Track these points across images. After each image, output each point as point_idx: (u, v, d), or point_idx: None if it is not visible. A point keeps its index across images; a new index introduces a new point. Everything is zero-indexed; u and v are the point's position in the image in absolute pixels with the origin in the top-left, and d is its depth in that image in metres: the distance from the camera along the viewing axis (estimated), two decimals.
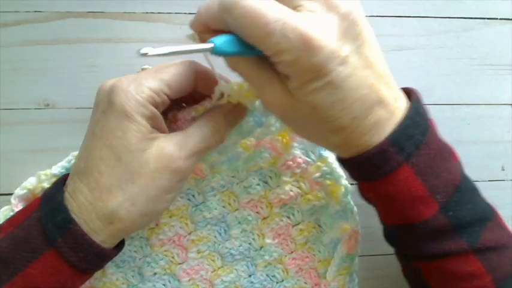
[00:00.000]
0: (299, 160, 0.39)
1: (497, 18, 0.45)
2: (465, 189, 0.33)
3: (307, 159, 0.39)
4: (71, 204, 0.31)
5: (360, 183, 0.34)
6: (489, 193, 0.45)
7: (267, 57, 0.29)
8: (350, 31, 0.28)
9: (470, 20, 0.44)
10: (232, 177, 0.39)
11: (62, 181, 0.33)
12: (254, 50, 0.28)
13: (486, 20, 0.45)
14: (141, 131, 0.31)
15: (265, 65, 0.29)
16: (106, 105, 0.31)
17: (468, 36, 0.44)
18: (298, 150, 0.39)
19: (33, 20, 0.39)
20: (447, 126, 0.45)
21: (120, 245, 0.34)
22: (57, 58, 0.39)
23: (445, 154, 0.33)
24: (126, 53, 0.39)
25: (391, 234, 0.36)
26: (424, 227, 0.32)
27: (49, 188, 0.34)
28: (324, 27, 0.27)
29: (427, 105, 0.44)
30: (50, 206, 0.31)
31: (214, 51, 0.28)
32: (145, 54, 0.27)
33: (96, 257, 0.32)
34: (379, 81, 0.30)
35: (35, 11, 0.38)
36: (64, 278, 0.31)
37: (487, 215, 0.34)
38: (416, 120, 0.31)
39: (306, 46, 0.27)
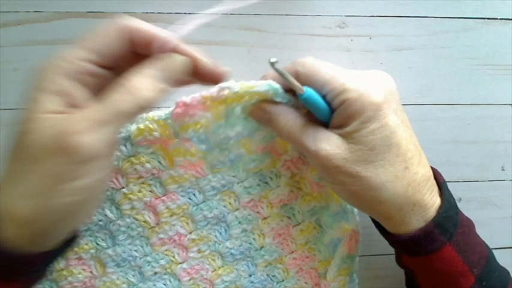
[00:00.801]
0: (298, 161, 0.39)
1: (497, 18, 0.45)
2: (492, 259, 0.37)
3: (307, 161, 0.39)
4: None
5: (401, 254, 0.37)
6: (489, 193, 0.45)
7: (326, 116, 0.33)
8: (393, 95, 0.34)
9: (470, 20, 0.44)
10: (233, 176, 0.39)
11: None
12: (322, 108, 0.33)
13: (486, 20, 0.45)
14: (37, 111, 0.26)
15: (319, 124, 0.34)
16: (53, 150, 0.25)
17: (468, 36, 0.45)
18: (297, 151, 0.39)
19: (33, 20, 0.39)
20: (447, 126, 0.45)
21: (56, 252, 0.29)
22: None
23: (472, 228, 0.36)
24: None
25: None
26: None
27: None
28: (377, 83, 0.33)
29: (427, 105, 0.45)
30: None
31: (304, 96, 0.32)
32: (274, 63, 0.31)
33: (20, 265, 0.27)
34: (419, 148, 0.35)
35: (35, 11, 0.38)
36: None
37: (506, 278, 0.37)
38: (451, 201, 0.35)
39: (369, 88, 0.32)
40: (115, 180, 0.36)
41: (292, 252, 0.42)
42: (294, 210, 0.41)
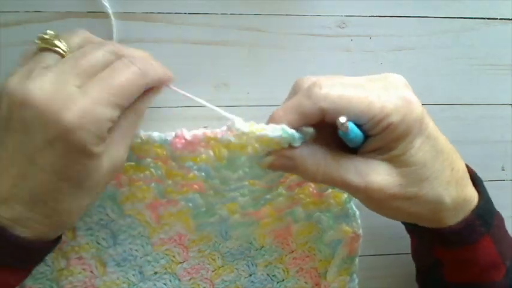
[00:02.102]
0: (302, 181, 0.39)
1: (497, 18, 0.45)
2: None
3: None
4: (19, 230, 0.28)
5: (431, 245, 0.36)
6: (489, 193, 0.45)
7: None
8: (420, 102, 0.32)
9: (470, 20, 0.44)
10: (236, 193, 0.38)
11: None
12: (361, 139, 0.31)
13: (486, 20, 0.45)
14: (99, 159, 0.29)
15: (348, 152, 0.32)
16: (54, 136, 0.27)
17: (468, 36, 0.44)
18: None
19: (33, 20, 0.38)
20: (447, 126, 0.45)
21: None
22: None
23: (503, 219, 0.37)
24: None
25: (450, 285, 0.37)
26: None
27: None
28: (407, 93, 0.32)
29: (427, 105, 0.45)
30: None
31: (350, 136, 0.30)
32: (344, 123, 0.28)
33: (33, 254, 0.30)
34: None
35: (35, 11, 0.38)
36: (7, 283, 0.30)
37: None
38: (487, 193, 0.36)
39: (408, 102, 0.31)
40: (117, 180, 0.36)
41: (292, 251, 0.42)
42: (294, 212, 0.41)
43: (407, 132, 0.30)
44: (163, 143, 0.34)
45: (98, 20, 0.39)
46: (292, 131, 0.31)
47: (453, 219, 0.34)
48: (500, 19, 0.45)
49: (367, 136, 0.31)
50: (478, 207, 0.34)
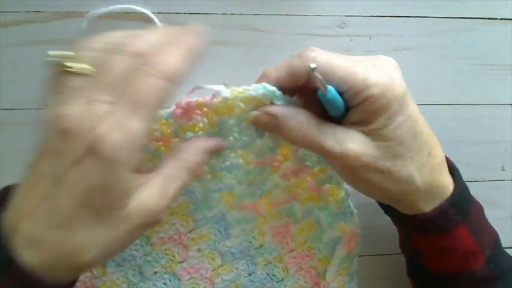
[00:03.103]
0: (298, 170, 0.39)
1: (497, 18, 0.45)
2: (499, 242, 0.37)
3: (307, 168, 0.39)
4: (29, 253, 0.26)
5: (410, 234, 0.37)
6: (489, 193, 0.45)
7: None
8: (404, 82, 0.33)
9: (470, 20, 0.44)
10: (233, 179, 0.39)
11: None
12: (340, 106, 0.32)
13: (486, 20, 0.45)
14: (127, 188, 0.27)
15: (332, 121, 0.33)
16: (81, 154, 0.25)
17: (468, 36, 0.45)
18: (298, 161, 0.39)
19: (33, 20, 0.39)
20: (447, 126, 0.45)
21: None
22: None
23: (483, 210, 0.37)
24: None
25: (432, 279, 0.38)
26: (470, 277, 0.35)
27: None
28: (393, 73, 0.33)
29: (427, 105, 0.45)
30: None
31: (328, 96, 0.31)
32: (314, 68, 0.29)
33: None
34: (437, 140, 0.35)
35: (35, 11, 0.38)
36: None
37: (511, 261, 0.37)
38: (463, 182, 0.36)
39: (391, 80, 0.31)
40: None
41: (292, 250, 0.42)
42: (293, 210, 0.41)
43: (387, 107, 0.31)
44: (168, 117, 0.34)
45: (98, 20, 0.39)
46: (274, 88, 0.32)
47: (426, 205, 0.34)
48: (500, 19, 0.45)
49: (348, 108, 0.32)
50: (452, 195, 0.34)
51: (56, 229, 0.27)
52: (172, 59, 0.28)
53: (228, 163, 0.37)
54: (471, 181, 0.46)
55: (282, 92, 0.33)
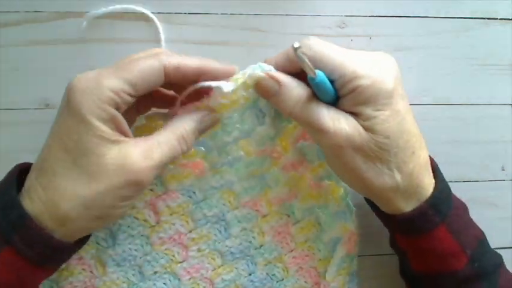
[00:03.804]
0: (297, 162, 0.39)
1: (497, 18, 0.45)
2: (484, 241, 0.37)
3: (306, 161, 0.39)
4: (25, 201, 0.30)
5: (394, 234, 0.38)
6: (489, 193, 0.45)
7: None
8: (399, 79, 0.34)
9: (470, 20, 0.44)
10: (233, 176, 0.39)
11: (16, 173, 0.32)
12: (330, 93, 0.33)
13: (486, 20, 0.45)
14: (98, 136, 0.29)
15: (338, 109, 0.33)
16: (64, 104, 0.30)
17: (468, 36, 0.45)
18: (297, 154, 0.39)
19: (33, 20, 0.39)
20: (447, 126, 0.45)
21: (83, 240, 0.33)
22: (57, 58, 0.39)
23: (466, 211, 0.37)
24: (126, 53, 0.39)
25: (416, 280, 0.38)
26: (452, 277, 0.36)
27: (3, 181, 0.32)
28: (387, 69, 0.33)
29: (427, 105, 0.45)
30: (4, 202, 0.30)
31: (316, 80, 0.31)
32: (297, 48, 0.30)
33: (55, 252, 0.31)
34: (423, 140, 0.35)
35: (35, 11, 0.38)
36: (23, 274, 0.30)
37: (498, 260, 0.37)
38: (444, 184, 0.36)
39: (382, 74, 0.32)
40: None
41: (292, 250, 0.42)
42: (293, 208, 0.41)
43: (374, 98, 0.32)
44: (165, 118, 0.35)
45: (98, 20, 0.39)
46: (270, 67, 0.33)
47: (405, 205, 0.34)
48: (500, 19, 0.45)
49: (338, 97, 0.33)
50: (431, 197, 0.34)
51: (43, 175, 0.30)
52: (177, 57, 0.32)
53: (229, 157, 0.37)
54: (471, 181, 0.46)
55: None
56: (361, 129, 0.32)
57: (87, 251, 0.38)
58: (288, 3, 0.42)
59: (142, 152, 0.31)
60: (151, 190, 0.38)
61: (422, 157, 0.34)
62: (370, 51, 0.39)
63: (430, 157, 0.37)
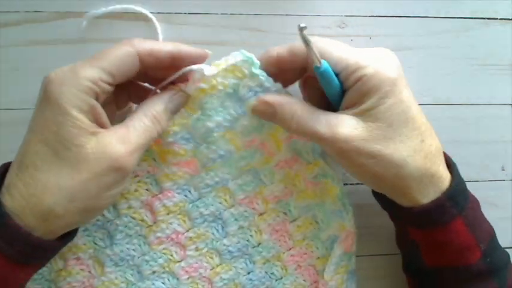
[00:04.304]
0: (292, 160, 0.39)
1: (497, 18, 0.45)
2: (495, 237, 0.38)
3: (301, 159, 0.39)
4: (5, 198, 0.30)
5: (406, 227, 0.37)
6: (489, 193, 0.45)
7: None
8: (401, 71, 0.34)
9: (470, 20, 0.44)
10: (227, 174, 0.39)
11: (0, 172, 0.32)
12: (335, 85, 0.33)
13: (486, 20, 0.45)
14: (77, 126, 0.30)
15: (334, 113, 0.34)
16: (42, 97, 0.31)
17: (468, 36, 0.45)
18: (291, 151, 0.39)
19: (33, 20, 0.39)
20: (447, 126, 0.45)
21: (67, 236, 0.33)
22: (57, 58, 0.39)
23: (479, 204, 0.37)
24: None
25: (427, 273, 0.38)
26: (466, 271, 0.35)
27: None
28: (388, 60, 0.34)
29: (427, 105, 0.45)
30: None
31: (321, 69, 0.32)
32: (303, 28, 0.30)
33: (36, 250, 0.30)
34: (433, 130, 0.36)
35: (35, 11, 0.39)
36: (4, 271, 0.30)
37: (507, 257, 0.37)
38: (460, 176, 0.36)
39: (383, 64, 0.33)
40: None
41: (290, 249, 0.42)
42: (289, 206, 0.41)
43: (378, 87, 0.32)
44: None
45: (98, 20, 0.39)
46: (251, 54, 0.34)
47: (421, 195, 0.34)
48: (500, 19, 0.45)
49: (344, 91, 0.34)
50: (449, 188, 0.34)
51: (24, 171, 0.30)
52: (150, 42, 0.33)
53: (220, 152, 0.37)
54: (471, 181, 0.46)
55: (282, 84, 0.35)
56: (360, 127, 0.32)
57: (84, 251, 0.38)
58: (288, 3, 0.42)
59: (119, 138, 0.31)
60: (147, 190, 0.38)
61: (434, 145, 0.34)
62: None
63: (444, 152, 0.36)
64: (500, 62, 0.45)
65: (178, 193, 0.38)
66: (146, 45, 0.32)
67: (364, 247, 0.42)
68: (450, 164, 0.36)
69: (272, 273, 0.42)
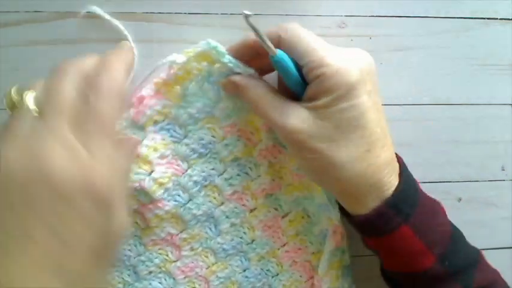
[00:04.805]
0: (274, 149, 0.39)
1: (497, 18, 0.45)
2: (456, 238, 0.37)
3: (284, 149, 0.39)
4: None
5: (361, 235, 0.37)
6: (489, 193, 0.45)
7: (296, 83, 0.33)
8: (371, 75, 0.34)
9: (470, 20, 0.44)
10: (212, 169, 0.39)
11: None
12: (297, 80, 0.34)
13: (486, 20, 0.45)
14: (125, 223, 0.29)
15: (287, 98, 0.34)
16: (83, 205, 0.26)
17: (468, 36, 0.44)
18: (271, 140, 0.39)
19: (33, 20, 0.39)
20: (447, 126, 0.45)
21: None
22: (57, 58, 0.39)
23: (436, 208, 0.36)
24: None
25: (391, 279, 0.39)
26: (424, 276, 0.35)
27: None
28: (356, 62, 0.33)
29: (427, 105, 0.45)
30: None
31: (275, 58, 0.32)
32: (248, 15, 0.30)
33: None
34: (386, 131, 0.35)
35: (35, 11, 0.39)
36: None
37: (476, 257, 0.37)
38: (409, 183, 0.35)
39: (346, 65, 0.32)
40: None
41: (284, 244, 0.42)
42: (279, 201, 0.41)
43: (334, 89, 0.32)
44: (128, 125, 0.37)
45: (98, 20, 0.39)
46: (216, 43, 0.36)
47: (361, 206, 0.34)
48: (500, 19, 0.45)
49: (306, 83, 0.34)
50: (392, 196, 0.34)
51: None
52: (115, 74, 0.30)
53: (203, 142, 0.38)
54: (471, 181, 0.46)
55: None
56: (309, 121, 0.33)
57: None
58: (288, 3, 0.42)
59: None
60: (138, 200, 0.38)
61: (381, 157, 0.34)
62: (370, 51, 0.40)
63: (398, 155, 0.36)
64: (500, 62, 0.45)
65: (169, 201, 0.38)
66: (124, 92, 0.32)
67: (362, 247, 0.41)
68: (401, 171, 0.36)
69: (268, 270, 0.42)
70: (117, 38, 0.39)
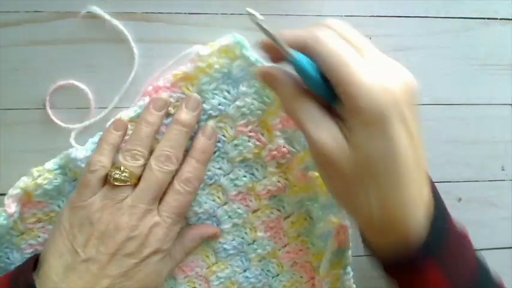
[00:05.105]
0: (283, 150, 0.39)
1: (497, 18, 0.45)
2: (478, 273, 0.33)
3: (292, 149, 0.39)
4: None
5: (385, 268, 0.35)
6: (489, 193, 0.45)
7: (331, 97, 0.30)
8: (408, 98, 0.29)
9: (470, 20, 0.44)
10: (218, 169, 0.39)
11: (33, 260, 0.34)
12: (321, 87, 0.30)
13: (486, 20, 0.45)
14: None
15: (323, 109, 0.31)
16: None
17: (468, 36, 0.44)
18: (282, 140, 0.38)
19: (33, 20, 0.39)
20: (447, 126, 0.45)
21: None
22: (57, 58, 0.39)
23: (465, 242, 0.34)
24: (126, 53, 0.39)
25: None
26: None
27: (19, 267, 0.34)
28: (392, 82, 0.29)
29: (427, 105, 0.45)
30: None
31: (295, 62, 0.29)
32: (252, 15, 0.29)
33: None
34: (423, 174, 0.31)
35: (35, 11, 0.38)
36: None
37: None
38: (438, 228, 0.31)
39: (385, 92, 0.28)
40: None
41: (285, 245, 0.42)
42: (283, 202, 0.41)
43: (361, 112, 0.28)
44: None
45: (98, 20, 0.39)
46: (242, 37, 0.36)
47: (382, 240, 0.32)
48: (500, 19, 0.45)
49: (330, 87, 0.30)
50: (428, 235, 0.31)
51: None
52: (191, 167, 0.37)
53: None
54: (471, 181, 0.46)
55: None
56: (342, 145, 0.29)
57: None
58: (288, 3, 0.42)
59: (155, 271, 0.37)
60: None
61: (411, 196, 0.30)
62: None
63: (437, 194, 0.33)
64: (500, 62, 0.45)
65: None
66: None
67: (364, 247, 0.41)
68: (435, 206, 0.32)
69: (268, 271, 0.42)
70: (117, 38, 0.39)
